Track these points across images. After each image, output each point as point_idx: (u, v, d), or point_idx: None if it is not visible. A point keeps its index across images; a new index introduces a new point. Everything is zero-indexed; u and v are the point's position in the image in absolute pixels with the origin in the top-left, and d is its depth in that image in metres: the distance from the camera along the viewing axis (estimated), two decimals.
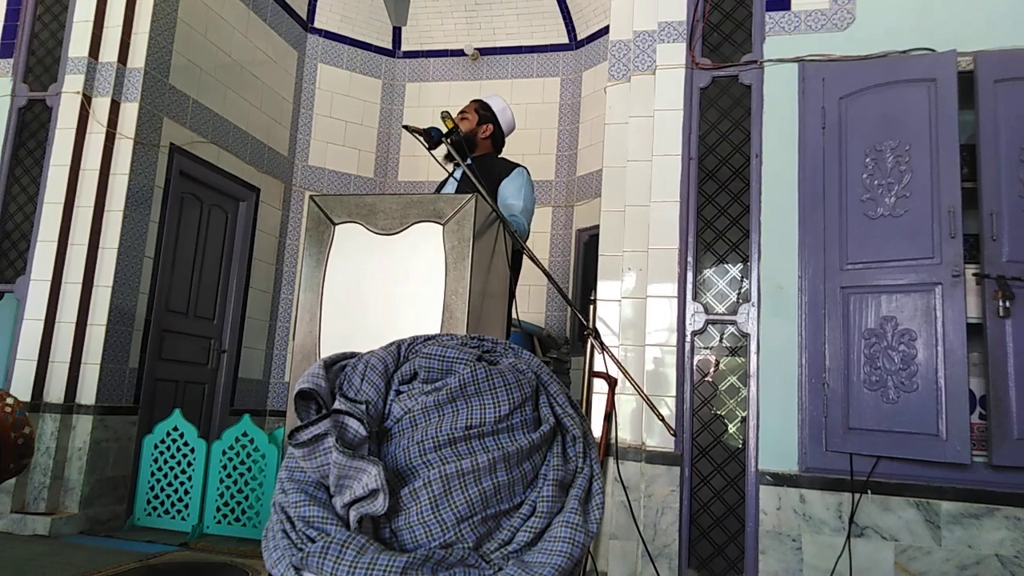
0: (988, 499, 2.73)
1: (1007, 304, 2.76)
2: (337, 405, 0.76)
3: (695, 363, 3.12)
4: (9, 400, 1.85)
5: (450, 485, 0.71)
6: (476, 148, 3.16)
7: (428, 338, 0.86)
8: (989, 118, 2.92)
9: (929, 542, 2.75)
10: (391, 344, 0.86)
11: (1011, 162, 2.88)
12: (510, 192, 3.01)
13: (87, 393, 3.80)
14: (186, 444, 3.87)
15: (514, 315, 2.86)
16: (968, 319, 2.78)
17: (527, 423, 0.77)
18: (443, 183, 3.26)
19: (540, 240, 5.55)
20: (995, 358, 2.78)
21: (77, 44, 4.05)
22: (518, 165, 3.12)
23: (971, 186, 2.93)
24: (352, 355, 0.86)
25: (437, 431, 0.74)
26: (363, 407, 0.77)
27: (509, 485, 0.73)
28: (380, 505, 0.70)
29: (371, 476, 0.70)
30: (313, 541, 0.71)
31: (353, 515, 0.72)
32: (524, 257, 2.37)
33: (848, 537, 2.82)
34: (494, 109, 3.22)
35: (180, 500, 3.83)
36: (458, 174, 3.10)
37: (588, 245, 5.28)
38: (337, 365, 0.84)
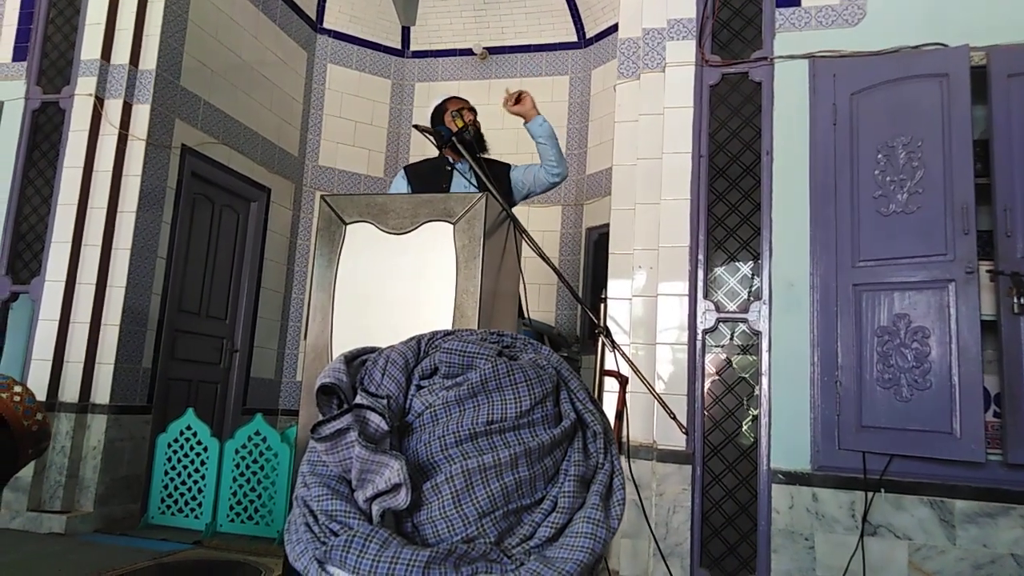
0: (1003, 498, 2.71)
1: (1021, 301, 2.74)
2: (359, 400, 0.77)
3: (706, 361, 3.11)
4: (17, 389, 1.86)
5: (472, 480, 0.71)
6: (484, 141, 3.20)
7: (448, 333, 0.86)
8: (1002, 113, 2.90)
9: (943, 541, 2.74)
10: (411, 339, 0.86)
11: None
12: (522, 168, 3.22)
13: (101, 393, 3.83)
14: (199, 443, 3.90)
15: (524, 313, 2.87)
16: (982, 316, 2.76)
17: (548, 419, 0.77)
18: (439, 179, 3.21)
19: (550, 238, 5.56)
20: (1010, 355, 2.76)
21: (89, 47, 4.08)
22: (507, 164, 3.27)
23: (984, 182, 2.91)
24: (372, 349, 0.87)
25: (458, 426, 0.74)
26: (384, 402, 0.77)
27: (530, 480, 0.74)
28: (402, 499, 0.70)
29: (393, 470, 0.70)
30: (336, 535, 0.72)
31: (375, 509, 0.72)
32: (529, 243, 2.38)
33: (861, 536, 2.81)
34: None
35: (194, 499, 3.85)
36: (464, 170, 3.11)
37: (598, 243, 5.27)
38: (358, 360, 0.85)
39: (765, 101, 3.23)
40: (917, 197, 2.91)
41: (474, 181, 3.00)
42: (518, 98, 3.14)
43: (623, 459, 3.06)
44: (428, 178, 3.18)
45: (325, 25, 5.89)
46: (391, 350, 0.84)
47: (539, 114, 3.14)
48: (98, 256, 3.90)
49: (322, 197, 2.37)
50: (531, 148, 3.22)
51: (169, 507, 3.88)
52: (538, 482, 0.72)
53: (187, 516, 3.84)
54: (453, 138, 2.99)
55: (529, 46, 5.92)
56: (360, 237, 2.32)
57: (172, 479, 3.89)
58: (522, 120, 3.16)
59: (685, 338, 3.13)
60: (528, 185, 3.21)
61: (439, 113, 3.23)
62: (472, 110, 3.25)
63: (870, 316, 2.93)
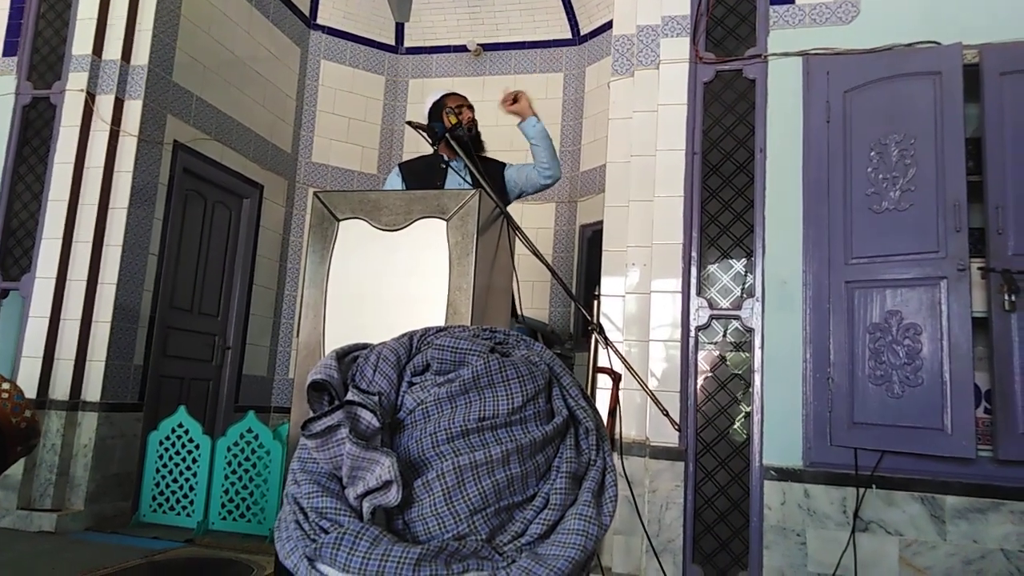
0: (993, 493, 2.72)
1: (1012, 298, 2.75)
2: (350, 396, 0.76)
3: (699, 358, 3.12)
4: (5, 386, 1.85)
5: (463, 477, 0.71)
6: (480, 140, 3.19)
7: (440, 329, 0.86)
8: (995, 111, 2.92)
9: (934, 537, 2.75)
10: (403, 335, 0.86)
11: (1017, 155, 2.88)
12: (516, 167, 3.22)
13: (92, 390, 3.81)
14: (191, 441, 3.88)
15: (518, 310, 2.86)
16: (973, 313, 2.78)
17: (540, 415, 0.77)
18: (433, 177, 3.21)
19: (543, 235, 5.55)
20: (1000, 352, 2.77)
21: (81, 42, 4.05)
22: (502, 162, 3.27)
23: (976, 180, 2.92)
24: (364, 346, 0.87)
25: (450, 423, 0.74)
26: (376, 398, 0.77)
27: (522, 477, 0.73)
28: (393, 496, 0.70)
29: (384, 467, 0.70)
30: (326, 532, 0.72)
31: (366, 506, 0.72)
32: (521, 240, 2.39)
33: (853, 532, 2.82)
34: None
35: (185, 496, 3.84)
36: (459, 168, 3.11)
37: (592, 241, 5.28)
38: (349, 356, 0.85)
39: (759, 98, 3.23)
40: (909, 195, 2.92)
41: (468, 178, 2.99)
42: (515, 98, 3.14)
43: (616, 456, 3.07)
44: (423, 175, 3.17)
45: (318, 21, 5.86)
46: (383, 347, 0.83)
47: (534, 115, 3.14)
48: (89, 253, 3.87)
49: (315, 194, 2.36)
50: (526, 145, 3.22)
51: (160, 505, 3.86)
52: (530, 479, 0.72)
53: (179, 514, 3.82)
54: (447, 135, 2.98)
55: (523, 43, 5.91)
56: (353, 234, 2.31)
57: (164, 477, 3.87)
58: (517, 119, 3.17)
59: (678, 335, 3.13)
60: (521, 185, 3.20)
61: (437, 109, 3.21)
62: (471, 108, 3.24)
63: (862, 313, 2.94)
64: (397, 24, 6.03)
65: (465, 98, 3.28)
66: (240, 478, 3.80)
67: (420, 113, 3.34)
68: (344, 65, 5.94)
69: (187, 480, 3.84)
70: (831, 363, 2.95)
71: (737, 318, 3.11)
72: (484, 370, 0.76)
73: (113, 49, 4.06)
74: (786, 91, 3.21)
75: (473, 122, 3.18)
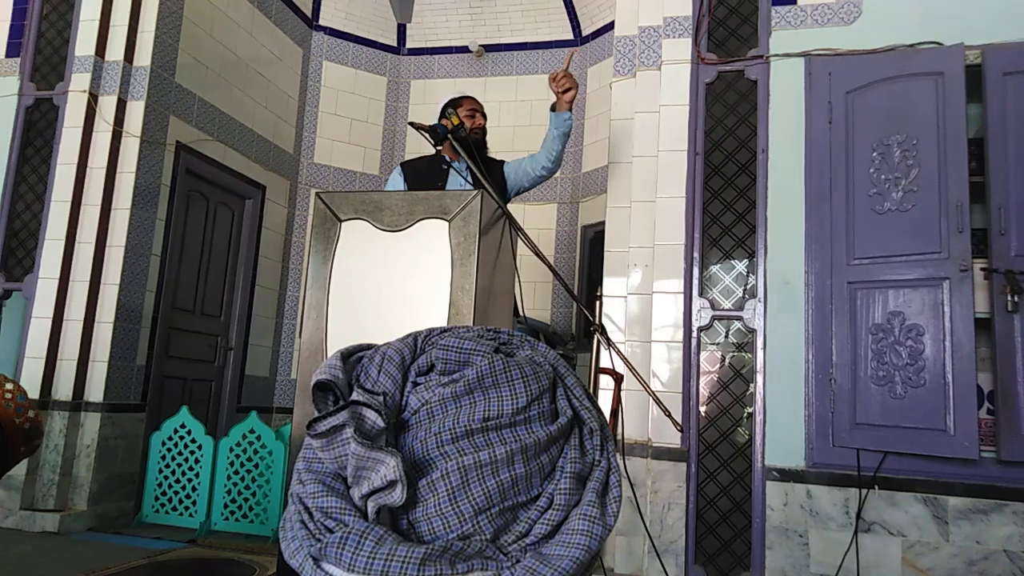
0: (996, 494, 2.72)
1: (1015, 299, 2.75)
2: (355, 396, 0.76)
3: (701, 359, 3.12)
4: (8, 386, 1.86)
5: (468, 476, 0.71)
6: (485, 147, 3.19)
7: (444, 330, 0.86)
8: (997, 111, 2.91)
9: (937, 537, 2.75)
10: (407, 336, 0.86)
11: (1019, 156, 2.88)
12: (514, 164, 3.22)
13: (95, 391, 3.82)
14: (193, 441, 3.89)
15: (520, 311, 2.86)
16: (976, 314, 2.78)
17: (544, 415, 0.77)
18: (435, 177, 3.20)
19: (545, 236, 5.55)
20: (1003, 353, 2.77)
21: (83, 43, 4.06)
22: (501, 160, 3.27)
23: (979, 180, 2.92)
24: (368, 346, 0.87)
25: (455, 423, 0.74)
26: (380, 398, 0.77)
27: (526, 477, 0.74)
28: (398, 496, 0.70)
29: (389, 467, 0.70)
30: (331, 532, 0.72)
31: (371, 506, 0.72)
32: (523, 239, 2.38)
33: (855, 533, 2.82)
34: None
35: (188, 497, 3.84)
36: (461, 168, 3.11)
37: (593, 241, 5.27)
38: (354, 356, 0.85)
39: (761, 99, 3.23)
40: (912, 195, 2.92)
41: (470, 179, 2.99)
42: (570, 87, 3.05)
43: (618, 456, 3.06)
44: (424, 175, 3.17)
45: (321, 22, 5.87)
46: (387, 347, 0.84)
47: (571, 111, 3.12)
48: (92, 253, 3.88)
49: (317, 194, 2.37)
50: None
51: (163, 505, 3.86)
52: (534, 479, 0.72)
53: (181, 514, 3.83)
54: (449, 135, 2.98)
55: (525, 44, 5.91)
56: (355, 234, 2.31)
57: (166, 477, 3.88)
58: (552, 102, 3.11)
59: (680, 336, 3.13)
60: (519, 179, 3.21)
61: (447, 109, 3.21)
62: (484, 115, 3.25)
63: (865, 314, 2.94)
64: (399, 25, 6.03)
65: (480, 104, 3.28)
66: (243, 478, 3.80)
67: (422, 114, 3.35)
68: (346, 66, 5.95)
69: (189, 480, 3.85)
70: (833, 364, 2.95)
71: (739, 319, 3.11)
72: (488, 370, 0.76)
73: (116, 50, 4.06)
74: (788, 92, 3.21)
75: (482, 129, 3.18)
